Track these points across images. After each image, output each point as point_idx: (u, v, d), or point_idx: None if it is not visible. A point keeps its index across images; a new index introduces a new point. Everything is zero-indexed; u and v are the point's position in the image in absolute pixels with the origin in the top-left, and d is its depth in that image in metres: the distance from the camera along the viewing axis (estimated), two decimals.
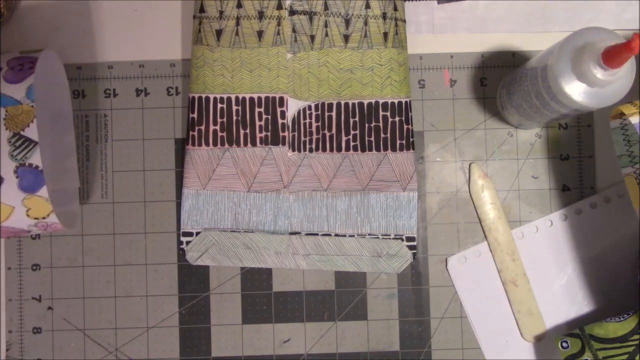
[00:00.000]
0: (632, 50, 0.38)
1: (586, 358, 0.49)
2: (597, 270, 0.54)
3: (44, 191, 0.44)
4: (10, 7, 0.54)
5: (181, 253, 0.53)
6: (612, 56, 0.40)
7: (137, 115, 0.55)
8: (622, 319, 0.49)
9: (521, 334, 0.54)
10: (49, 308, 0.54)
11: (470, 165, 0.55)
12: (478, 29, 0.55)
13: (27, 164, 0.43)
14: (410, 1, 0.55)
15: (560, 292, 0.54)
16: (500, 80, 0.55)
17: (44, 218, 0.45)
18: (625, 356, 0.48)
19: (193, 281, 0.54)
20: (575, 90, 0.42)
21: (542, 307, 0.54)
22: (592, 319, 0.53)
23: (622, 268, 0.54)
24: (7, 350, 0.53)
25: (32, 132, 0.43)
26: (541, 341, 0.53)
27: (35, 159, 0.43)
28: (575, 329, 0.52)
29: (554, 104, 0.44)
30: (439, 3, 0.55)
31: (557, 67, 0.42)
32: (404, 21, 0.53)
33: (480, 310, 0.54)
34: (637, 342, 0.48)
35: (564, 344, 0.50)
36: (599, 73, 0.41)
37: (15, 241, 0.54)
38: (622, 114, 0.47)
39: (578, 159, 0.55)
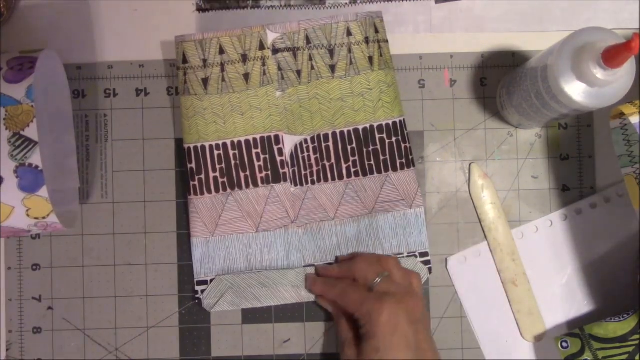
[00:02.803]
0: (632, 50, 0.38)
1: (586, 358, 0.49)
2: (597, 270, 0.54)
3: (44, 191, 0.44)
4: (10, 7, 0.54)
5: (197, 302, 0.53)
6: (612, 56, 0.40)
7: (137, 115, 0.55)
8: (622, 319, 0.49)
9: (521, 334, 0.54)
10: (49, 308, 0.54)
11: (470, 165, 0.55)
12: (476, 29, 0.55)
13: (27, 164, 0.43)
14: (408, 1, 0.55)
15: (560, 292, 0.54)
16: (500, 80, 0.55)
17: (44, 218, 0.45)
18: (625, 356, 0.48)
19: (193, 281, 0.54)
20: (575, 90, 0.42)
21: (542, 307, 0.54)
22: (592, 319, 0.53)
23: (622, 268, 0.54)
24: (7, 350, 0.53)
25: (32, 132, 0.43)
26: (541, 341, 0.53)
27: (35, 159, 0.43)
28: (575, 328, 0.52)
29: (554, 104, 0.44)
30: (436, 3, 0.55)
31: (557, 67, 0.42)
32: (387, 41, 0.53)
33: (480, 310, 0.54)
34: (637, 342, 0.48)
35: (564, 344, 0.50)
36: (599, 73, 0.41)
37: (15, 241, 0.54)
38: (622, 114, 0.47)
39: (578, 159, 0.55)
